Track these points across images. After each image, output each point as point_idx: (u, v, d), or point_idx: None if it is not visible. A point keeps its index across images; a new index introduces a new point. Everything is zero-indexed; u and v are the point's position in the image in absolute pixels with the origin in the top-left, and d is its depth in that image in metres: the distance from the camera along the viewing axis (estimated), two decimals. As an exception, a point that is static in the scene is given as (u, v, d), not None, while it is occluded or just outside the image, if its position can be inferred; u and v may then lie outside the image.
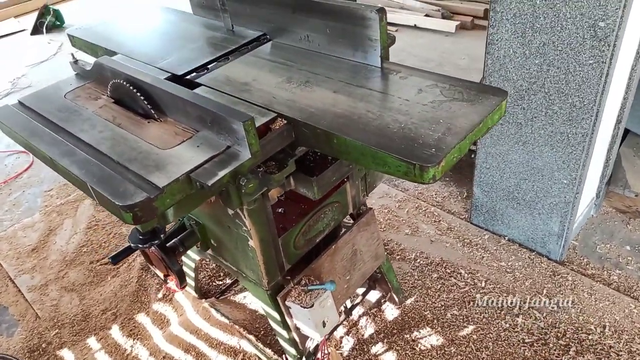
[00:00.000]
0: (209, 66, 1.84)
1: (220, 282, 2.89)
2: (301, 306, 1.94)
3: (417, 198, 3.32)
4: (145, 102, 1.54)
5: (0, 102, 5.44)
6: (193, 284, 2.67)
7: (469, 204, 3.13)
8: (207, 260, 2.89)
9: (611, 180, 2.97)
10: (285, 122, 1.48)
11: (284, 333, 2.11)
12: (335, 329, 2.50)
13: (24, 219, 3.63)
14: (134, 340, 2.63)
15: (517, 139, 2.54)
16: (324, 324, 2.00)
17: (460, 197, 3.29)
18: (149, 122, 1.55)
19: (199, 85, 1.72)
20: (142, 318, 2.74)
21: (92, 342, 2.66)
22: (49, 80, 1.94)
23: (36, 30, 7.00)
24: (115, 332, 2.69)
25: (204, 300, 2.72)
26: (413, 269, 2.80)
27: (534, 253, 2.81)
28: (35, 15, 7.08)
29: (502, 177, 2.73)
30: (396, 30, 5.59)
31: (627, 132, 3.10)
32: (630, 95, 2.56)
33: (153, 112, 1.54)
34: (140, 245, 1.86)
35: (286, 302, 1.99)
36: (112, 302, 2.85)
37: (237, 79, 1.73)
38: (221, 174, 1.30)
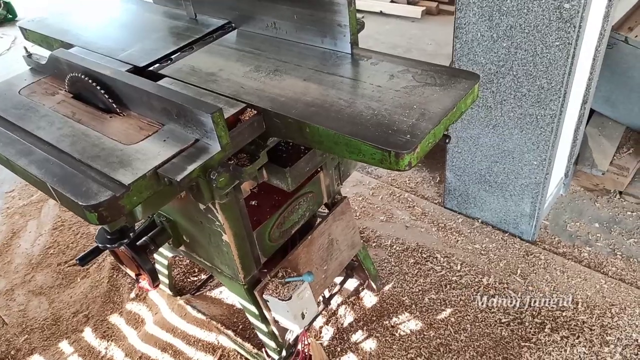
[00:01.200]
0: (172, 57, 1.77)
1: (196, 278, 2.83)
2: (279, 299, 1.91)
3: (391, 185, 3.32)
4: (106, 96, 1.47)
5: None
6: (167, 281, 2.61)
7: (442, 188, 3.15)
8: (181, 256, 2.83)
9: (578, 159, 3.02)
10: (255, 112, 1.43)
11: (263, 327, 2.08)
12: (314, 319, 2.48)
13: (-15, 223, 3.48)
14: (108, 341, 2.56)
15: (488, 122, 2.56)
16: (302, 316, 1.98)
17: (433, 182, 3.31)
18: (111, 117, 1.48)
19: (162, 76, 1.65)
20: (115, 319, 2.66)
21: (64, 346, 2.58)
22: (3, 77, 1.83)
23: (-11, 24, 6.68)
24: (88, 334, 2.61)
25: (179, 297, 2.66)
26: (389, 256, 2.80)
27: (507, 234, 2.85)
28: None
29: (474, 160, 2.75)
30: (362, 17, 5.53)
31: (592, 112, 3.16)
32: (594, 76, 2.60)
33: (115, 106, 1.47)
34: (108, 246, 1.80)
35: (264, 296, 1.95)
36: (83, 304, 2.77)
37: (202, 69, 1.67)
38: (190, 168, 1.24)
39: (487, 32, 2.27)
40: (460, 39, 2.38)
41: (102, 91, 1.47)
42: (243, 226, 1.80)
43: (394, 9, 5.53)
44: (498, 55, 2.31)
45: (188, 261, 2.92)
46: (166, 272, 2.55)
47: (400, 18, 5.48)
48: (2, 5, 6.67)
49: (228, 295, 2.69)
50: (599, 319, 2.34)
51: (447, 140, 1.36)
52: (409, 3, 5.58)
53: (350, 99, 1.40)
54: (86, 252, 1.95)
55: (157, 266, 2.57)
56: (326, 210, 2.28)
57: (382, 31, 5.28)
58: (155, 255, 2.50)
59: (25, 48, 1.82)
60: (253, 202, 2.01)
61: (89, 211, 1.17)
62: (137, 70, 1.71)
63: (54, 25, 2.13)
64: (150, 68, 1.72)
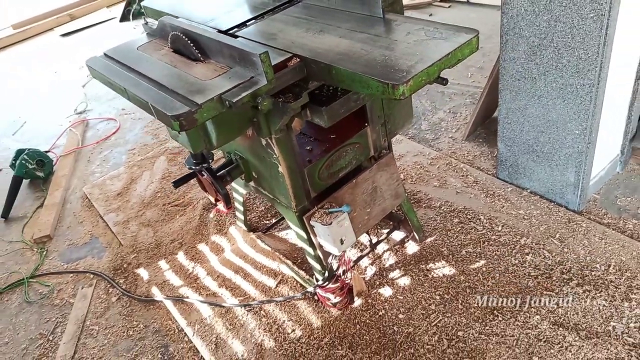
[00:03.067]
0: (247, 23, 2.27)
1: (267, 222, 3.35)
2: (322, 224, 2.33)
3: (450, 157, 3.58)
4: (194, 48, 1.99)
5: (93, 79, 6.28)
6: (242, 217, 3.15)
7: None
8: (253, 196, 3.37)
9: (635, 136, 3.06)
10: (298, 60, 1.87)
11: (311, 250, 2.51)
12: (360, 259, 2.87)
13: (112, 172, 4.31)
14: (195, 263, 3.16)
15: (533, 93, 2.75)
16: (342, 241, 2.38)
17: (490, 156, 3.51)
18: (196, 64, 2.00)
19: (238, 36, 2.15)
20: (202, 247, 3.27)
21: (162, 264, 3.23)
22: None
23: (124, 17, 7.87)
24: (181, 257, 3.24)
25: (252, 233, 3.19)
26: (437, 215, 3.09)
27: (552, 203, 2.99)
28: (123, 4, 7.95)
29: (522, 131, 2.95)
30: (449, 6, 5.75)
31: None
32: (648, 51, 2.67)
33: (200, 55, 1.99)
34: (193, 167, 2.35)
35: (310, 222, 2.39)
36: (179, 235, 3.41)
37: (267, 31, 2.14)
38: (243, 94, 1.71)
39: (530, 7, 2.49)
40: (506, 14, 2.62)
41: (192, 45, 2.00)
42: (295, 160, 2.24)
43: (480, -2, 5.67)
44: (540, 28, 2.51)
45: (263, 208, 3.45)
46: (242, 209, 3.09)
47: (486, 6, 5.59)
48: (137, 1, 7.80)
49: (292, 236, 3.16)
50: (627, 280, 2.45)
51: (444, 83, 1.68)
52: (497, -8, 5.67)
53: (370, 49, 1.78)
54: (181, 177, 2.54)
55: (235, 204, 3.12)
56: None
57: (466, 19, 5.45)
58: (234, 194, 3.05)
59: (144, 17, 2.43)
60: (308, 148, 2.45)
61: (173, 120, 1.68)
62: (219, 32, 2.22)
63: (165, 3, 2.75)
64: (230, 31, 2.23)
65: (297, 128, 2.20)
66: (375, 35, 1.88)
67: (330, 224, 2.32)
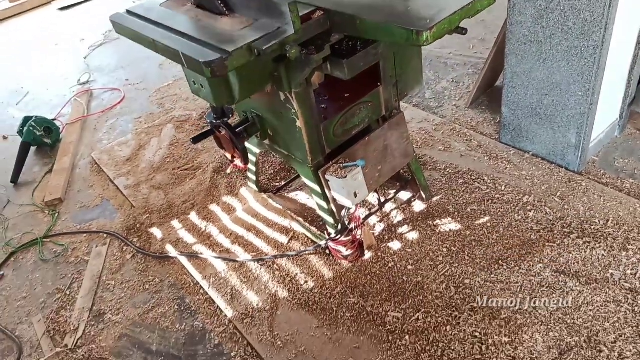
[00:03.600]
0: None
1: (277, 184, 3.45)
2: (337, 177, 2.44)
3: (454, 123, 3.69)
4: (219, 2, 2.06)
5: (95, 51, 6.29)
6: (254, 178, 3.25)
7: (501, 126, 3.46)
8: (262, 160, 3.46)
9: (634, 101, 3.18)
10: (322, 13, 1.95)
11: (324, 204, 2.62)
12: (369, 216, 2.99)
13: (120, 139, 4.37)
14: (207, 222, 3.26)
15: (539, 56, 2.85)
16: (355, 195, 2.49)
17: (493, 122, 3.62)
18: (222, 17, 2.07)
19: (261, -8, 2.22)
20: (214, 207, 3.36)
21: (175, 223, 3.32)
22: None
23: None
24: (193, 216, 3.33)
25: (263, 193, 3.29)
26: (442, 177, 3.21)
27: (554, 165, 3.12)
28: (123, -24, 7.89)
29: (527, 94, 3.05)
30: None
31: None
32: (649, 16, 2.78)
33: (225, 9, 2.06)
34: (214, 122, 2.44)
35: (326, 176, 2.49)
36: (190, 196, 3.50)
37: (290, -13, 2.21)
38: (272, 42, 1.79)
39: (538, -29, 2.58)
40: (514, -22, 2.70)
41: (217, -2, 2.07)
42: (312, 116, 2.34)
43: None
44: (547, -10, 2.60)
45: (272, 171, 3.54)
46: (254, 169, 3.19)
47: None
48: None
49: (302, 197, 3.27)
50: (624, 233, 2.59)
51: (463, 32, 1.77)
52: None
53: (391, 1, 1.87)
54: (199, 133, 2.62)
55: (249, 165, 3.21)
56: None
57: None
58: (249, 154, 3.14)
59: (165, -25, 2.48)
60: (323, 106, 2.54)
61: (205, 66, 1.76)
62: (242, -10, 2.29)
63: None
64: (253, -13, 2.30)
65: (317, 82, 2.29)
66: (399, -11, 1.96)
67: (345, 177, 2.42)
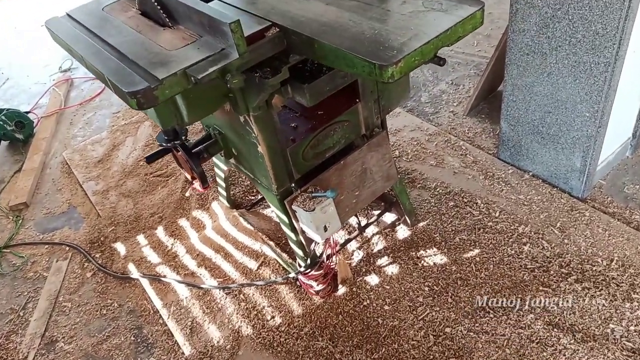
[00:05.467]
0: (226, -16, 2.01)
1: (252, 197, 3.17)
2: (304, 210, 2.15)
3: (449, 133, 3.37)
4: (162, 12, 1.75)
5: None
6: (225, 194, 2.97)
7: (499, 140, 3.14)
8: (237, 173, 3.18)
9: (650, 120, 2.84)
10: (277, 30, 1.63)
11: (293, 235, 2.34)
12: (348, 242, 2.71)
13: (94, 136, 4.10)
14: (174, 239, 3.00)
15: (542, 69, 2.51)
16: (325, 228, 2.20)
17: (492, 134, 3.29)
18: (164, 30, 1.76)
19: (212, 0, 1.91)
20: (182, 222, 3.10)
21: (140, 238, 3.07)
22: None
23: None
24: (160, 232, 3.07)
25: (235, 210, 3.01)
26: (431, 197, 2.91)
27: (555, 189, 2.80)
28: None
29: (528, 110, 2.72)
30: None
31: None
32: (672, 27, 2.42)
33: (167, 20, 1.75)
34: (164, 144, 2.15)
35: (292, 206, 2.20)
36: (160, 208, 3.24)
37: (246, -6, 1.89)
38: (210, 69, 1.49)
39: (545, -26, 2.22)
40: (518, -20, 2.35)
41: (159, 8, 1.76)
42: (276, 140, 2.04)
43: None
44: (555, -2, 2.25)
45: (249, 182, 3.26)
46: (224, 185, 2.91)
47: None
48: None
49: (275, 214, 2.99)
50: (630, 278, 2.29)
51: (441, 63, 1.46)
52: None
53: (358, 20, 1.55)
54: (153, 152, 2.34)
55: (217, 180, 2.94)
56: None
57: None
58: (215, 170, 2.86)
59: (112, -26, 2.17)
60: (292, 125, 2.24)
61: (130, 97, 1.47)
62: (194, -5, 1.98)
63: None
64: (206, -7, 1.98)
65: (278, 105, 1.99)
66: (366, 4, 1.64)
67: (313, 210, 2.14)
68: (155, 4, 1.76)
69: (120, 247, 3.04)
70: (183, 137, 2.14)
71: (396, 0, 1.61)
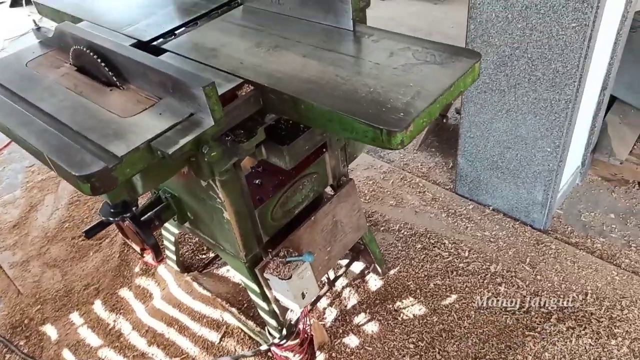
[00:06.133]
0: (176, 32, 1.77)
1: (204, 256, 2.87)
2: (279, 278, 1.92)
3: (402, 169, 3.29)
4: (107, 69, 1.48)
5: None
6: (174, 257, 2.65)
7: (455, 174, 3.10)
8: (188, 233, 2.87)
9: (596, 148, 2.93)
10: (252, 88, 1.42)
11: (264, 305, 2.09)
12: (318, 300, 2.50)
13: (5, 196, 3.58)
14: (116, 314, 2.62)
15: (501, 106, 2.49)
16: (303, 295, 1.98)
17: (445, 168, 3.26)
18: (111, 90, 1.49)
19: (165, 51, 1.66)
20: (124, 292, 2.72)
21: (74, 317, 2.65)
22: None
23: (15, 2, 6.81)
24: (98, 307, 2.68)
25: (186, 274, 2.70)
26: (397, 240, 2.78)
27: (518, 222, 2.79)
28: (14, -14, 6.88)
29: (486, 146, 2.70)
30: (385, -1, 5.47)
31: (613, 99, 3.06)
32: (615, 61, 2.51)
33: (115, 79, 1.48)
34: (111, 219, 1.83)
35: (265, 274, 1.96)
36: (95, 277, 2.83)
37: (204, 44, 1.67)
38: (183, 141, 1.24)
39: (502, 13, 2.21)
40: (474, 19, 2.32)
41: (103, 64, 1.48)
42: (244, 204, 1.80)
43: (416, -9, 5.43)
44: (512, 37, 2.24)
45: (197, 239, 2.96)
46: (173, 248, 2.59)
47: (424, 0, 5.37)
48: (29, -16, 6.77)
49: (234, 273, 2.71)
50: (607, 311, 2.28)
51: (444, 120, 1.32)
52: (432, -14, 5.46)
53: (347, 76, 1.38)
54: (92, 225, 1.99)
55: (165, 243, 2.62)
56: (332, 192, 2.28)
57: (405, 14, 5.19)
58: (163, 232, 2.54)
59: (34, 21, 1.85)
60: (257, 181, 2.01)
61: (81, 181, 1.18)
62: (141, 45, 1.71)
63: (66, 0, 2.15)
64: (154, 43, 1.73)
65: (248, 167, 1.77)
66: (349, 56, 1.48)
67: (290, 277, 1.91)
68: (99, 60, 1.48)
69: (51, 330, 2.60)
70: (134, 209, 1.84)
71: (383, 52, 1.46)
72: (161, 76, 1.35)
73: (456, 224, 2.83)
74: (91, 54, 1.50)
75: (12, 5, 6.86)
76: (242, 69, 1.49)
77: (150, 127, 1.31)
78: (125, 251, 2.93)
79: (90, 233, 2.00)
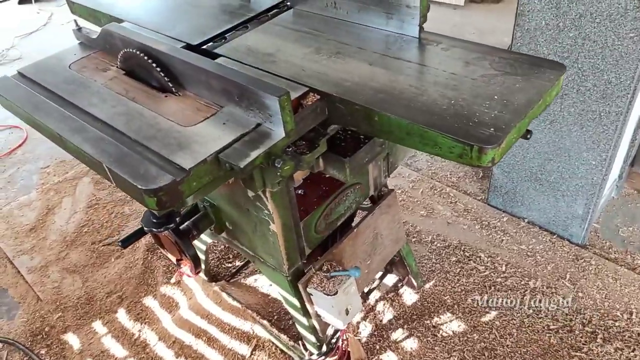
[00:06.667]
0: (226, 35, 1.69)
1: (230, 265, 2.78)
2: (324, 293, 1.84)
3: (431, 178, 3.21)
4: (162, 74, 1.40)
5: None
6: (203, 266, 2.56)
7: (485, 184, 3.03)
8: (216, 242, 2.78)
9: (634, 160, 2.86)
10: (318, 97, 1.34)
11: (304, 320, 2.01)
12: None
13: (20, 197, 3.48)
14: (141, 324, 2.53)
15: (544, 117, 2.42)
16: (347, 312, 1.90)
17: (475, 178, 3.18)
18: (166, 97, 1.40)
19: (218, 55, 1.57)
20: (149, 301, 2.63)
21: (97, 326, 2.56)
22: (40, 52, 1.80)
23: (24, -1, 6.72)
24: (122, 315, 2.58)
25: (214, 283, 2.61)
26: (430, 252, 2.70)
27: (554, 236, 2.71)
28: (23, -18, 6.78)
29: (525, 157, 2.62)
30: (403, 3, 5.38)
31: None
32: (663, 72, 2.44)
33: (170, 85, 1.40)
34: (154, 229, 1.75)
35: (308, 289, 1.88)
36: (117, 285, 2.74)
37: (259, 49, 1.58)
38: (254, 154, 1.16)
39: (553, 21, 2.13)
40: (521, 27, 2.25)
41: (158, 68, 1.40)
42: (291, 216, 1.72)
43: (435, -4, 5.36)
44: (563, 45, 2.16)
45: (222, 247, 2.87)
46: (204, 257, 2.50)
47: (443, 5, 5.30)
48: (40, -20, 6.68)
49: (263, 283, 2.63)
50: (655, 331, 2.21)
51: (528, 136, 1.25)
52: (451, -10, 5.39)
53: (422, 86, 1.30)
54: (129, 234, 1.90)
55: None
56: (369, 203, 2.20)
57: (422, 19, 5.11)
58: (195, 242, 2.45)
59: (75, 21, 1.76)
60: (300, 192, 1.93)
61: (148, 195, 1.10)
62: (190, 48, 1.63)
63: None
64: (204, 46, 1.64)
65: (299, 179, 1.68)
66: (420, 64, 1.40)
67: (336, 293, 1.83)
68: (154, 65, 1.39)
69: (73, 339, 2.51)
70: (177, 219, 1.75)
71: (456, 61, 1.38)
72: (226, 83, 1.26)
73: (491, 236, 2.76)
74: (145, 57, 1.42)
75: (21, 2, 6.76)
76: (305, 76, 1.41)
77: (214, 138, 1.22)
78: (149, 258, 2.84)
79: (126, 243, 1.92)
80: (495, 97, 1.22)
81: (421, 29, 1.51)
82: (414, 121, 1.18)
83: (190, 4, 1.98)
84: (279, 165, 1.19)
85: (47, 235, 3.14)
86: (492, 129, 1.12)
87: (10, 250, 3.06)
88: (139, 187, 1.09)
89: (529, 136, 1.25)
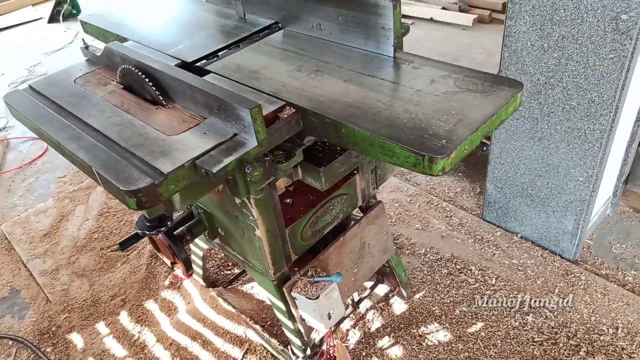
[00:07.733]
0: (219, 54, 1.83)
1: (229, 272, 2.89)
2: (307, 297, 1.93)
3: (429, 193, 3.28)
4: (154, 88, 1.53)
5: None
6: (201, 272, 2.68)
7: (482, 200, 3.08)
8: (216, 249, 2.89)
9: (629, 178, 2.90)
10: (293, 110, 1.46)
11: (289, 324, 2.10)
12: (341, 321, 2.49)
13: (37, 205, 3.67)
14: (142, 326, 2.65)
15: (533, 134, 2.49)
16: (329, 316, 1.98)
17: (472, 193, 3.24)
18: (157, 109, 1.54)
19: (208, 72, 1.71)
20: (150, 305, 2.75)
21: (100, 327, 2.69)
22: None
23: (53, 18, 7.06)
24: (124, 317, 2.71)
25: (211, 289, 2.72)
26: (422, 264, 2.77)
27: (546, 251, 2.75)
28: (52, 3, 7.13)
29: (517, 173, 2.68)
30: (412, 23, 5.51)
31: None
32: (651, 92, 2.49)
33: (161, 98, 1.53)
34: (147, 232, 1.87)
35: (292, 293, 1.97)
36: (121, 289, 2.87)
37: (247, 66, 1.71)
38: (226, 161, 1.28)
39: (538, 42, 2.22)
40: (509, 47, 2.33)
41: (150, 83, 1.54)
42: (276, 222, 1.83)
43: (444, 16, 5.47)
44: (548, 65, 2.24)
45: (222, 255, 2.98)
46: (201, 263, 2.62)
47: (451, 25, 5.41)
48: (68, 1, 7.02)
49: (259, 291, 2.73)
50: (639, 347, 2.23)
51: (484, 148, 1.33)
52: (460, 10, 5.50)
53: (388, 101, 1.40)
54: (127, 237, 2.04)
55: (193, 257, 2.65)
56: (360, 213, 2.29)
57: (431, 38, 5.23)
58: (192, 247, 2.57)
59: (83, 40, 1.93)
60: (288, 200, 2.03)
61: (128, 196, 1.22)
62: (184, 65, 1.77)
63: (111, 19, 2.24)
64: (197, 64, 1.78)
65: (282, 186, 1.79)
66: (390, 82, 1.51)
67: (318, 297, 1.92)
68: (146, 79, 1.53)
69: (77, 339, 2.64)
70: (169, 223, 1.87)
71: (423, 79, 1.48)
72: (207, 97, 1.39)
73: (483, 250, 2.81)
74: (139, 73, 1.56)
75: (50, 21, 7.10)
76: (284, 91, 1.53)
77: (194, 146, 1.34)
78: (153, 264, 2.97)
79: (124, 245, 2.05)
80: (453, 112, 1.31)
81: (396, 48, 1.61)
82: (376, 133, 1.28)
83: (191, 24, 2.13)
84: (248, 172, 1.30)
85: (59, 241, 3.30)
86: (444, 141, 1.22)
87: (25, 254, 3.23)
88: (121, 188, 1.21)
89: (485, 148, 1.34)
